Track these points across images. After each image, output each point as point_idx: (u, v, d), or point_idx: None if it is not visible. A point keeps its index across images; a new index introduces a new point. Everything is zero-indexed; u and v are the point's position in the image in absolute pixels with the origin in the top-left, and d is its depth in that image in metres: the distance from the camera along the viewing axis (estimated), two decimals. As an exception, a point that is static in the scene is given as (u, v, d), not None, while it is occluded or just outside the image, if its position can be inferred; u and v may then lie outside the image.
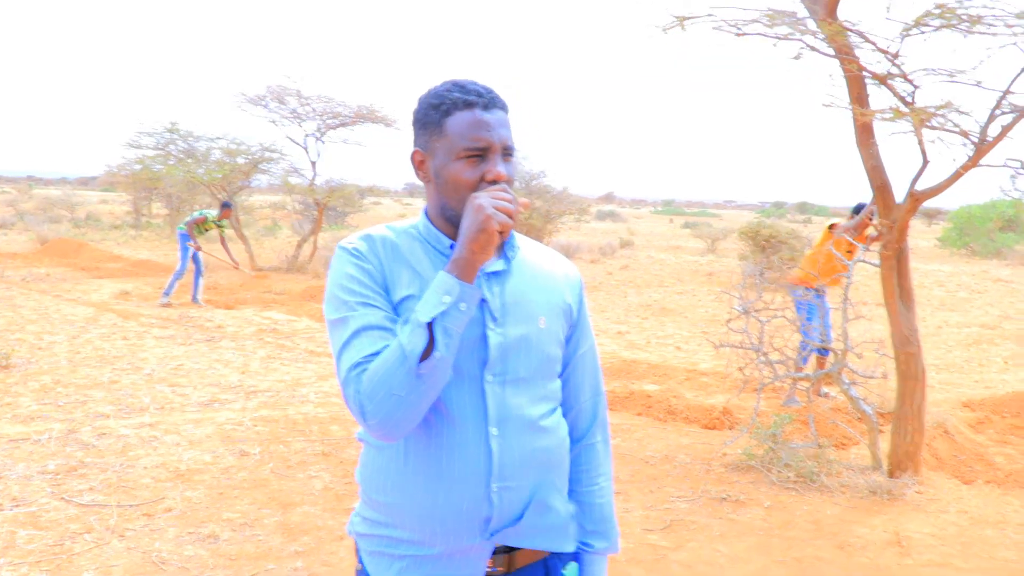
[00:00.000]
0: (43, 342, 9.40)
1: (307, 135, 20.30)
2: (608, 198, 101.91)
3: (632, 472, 5.75)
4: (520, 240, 1.85)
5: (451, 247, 1.74)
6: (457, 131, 1.68)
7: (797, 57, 5.23)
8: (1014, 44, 4.76)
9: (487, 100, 1.70)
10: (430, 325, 1.57)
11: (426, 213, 1.81)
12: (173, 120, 20.99)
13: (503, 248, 1.79)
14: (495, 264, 1.76)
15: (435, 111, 1.70)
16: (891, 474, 5.63)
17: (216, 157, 20.21)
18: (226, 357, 9.09)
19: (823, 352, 7.91)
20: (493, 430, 1.70)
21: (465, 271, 1.60)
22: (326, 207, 20.03)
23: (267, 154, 20.30)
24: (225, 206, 13.30)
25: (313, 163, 20.38)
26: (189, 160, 20.11)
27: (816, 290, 7.65)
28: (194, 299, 12.99)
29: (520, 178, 18.71)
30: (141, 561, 4.14)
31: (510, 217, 1.61)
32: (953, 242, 30.94)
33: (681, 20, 5.38)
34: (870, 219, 7.24)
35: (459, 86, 1.71)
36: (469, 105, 1.69)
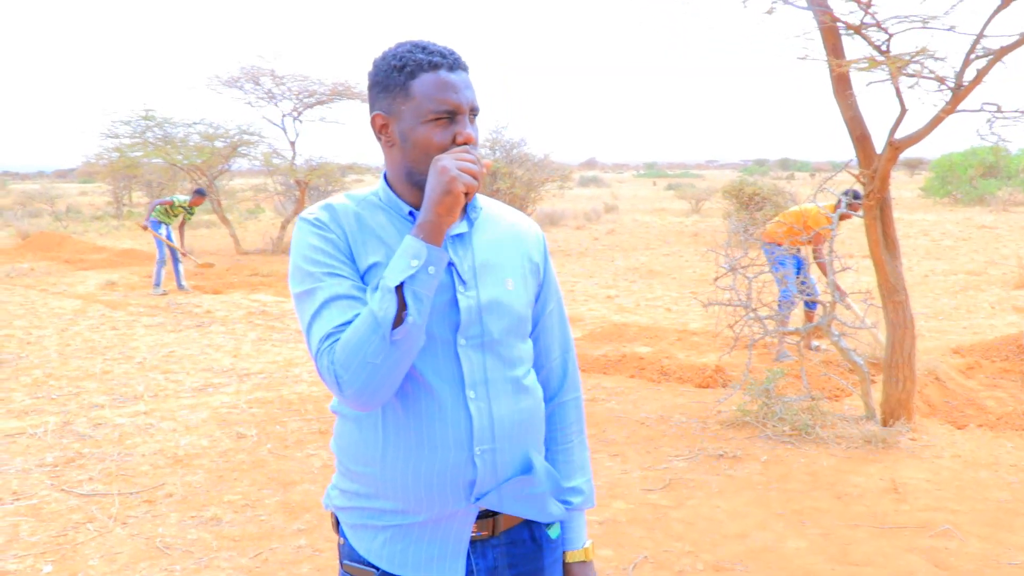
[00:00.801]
0: (32, 336, 9.37)
1: (284, 115, 20.17)
2: (590, 164, 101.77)
3: (628, 434, 5.79)
4: (482, 201, 1.83)
5: (411, 214, 1.71)
6: (424, 93, 1.64)
7: (770, 11, 5.22)
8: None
9: (451, 61, 1.67)
10: (400, 290, 1.55)
11: (385, 179, 1.77)
12: (148, 107, 20.79)
13: (466, 210, 1.77)
14: (459, 226, 1.74)
15: (399, 73, 1.66)
16: (884, 423, 5.68)
17: (194, 142, 20.06)
18: (217, 341, 9.08)
19: (811, 306, 7.95)
20: (471, 393, 1.68)
21: (432, 234, 1.58)
22: (308, 186, 19.94)
23: (245, 137, 20.17)
24: (198, 193, 13.12)
25: (292, 143, 20.27)
26: (167, 147, 19.96)
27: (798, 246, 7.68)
28: (179, 285, 12.96)
29: (501, 147, 18.65)
30: (145, 547, 4.15)
31: (475, 178, 1.59)
32: (936, 191, 31.06)
33: (655, -20, 5.35)
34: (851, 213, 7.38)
35: (420, 47, 1.67)
36: (435, 66, 1.65)
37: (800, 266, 7.75)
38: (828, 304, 6.04)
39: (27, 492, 4.85)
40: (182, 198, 12.99)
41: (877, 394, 5.92)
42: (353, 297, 1.61)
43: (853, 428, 5.65)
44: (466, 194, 1.58)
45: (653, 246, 18.68)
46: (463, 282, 1.70)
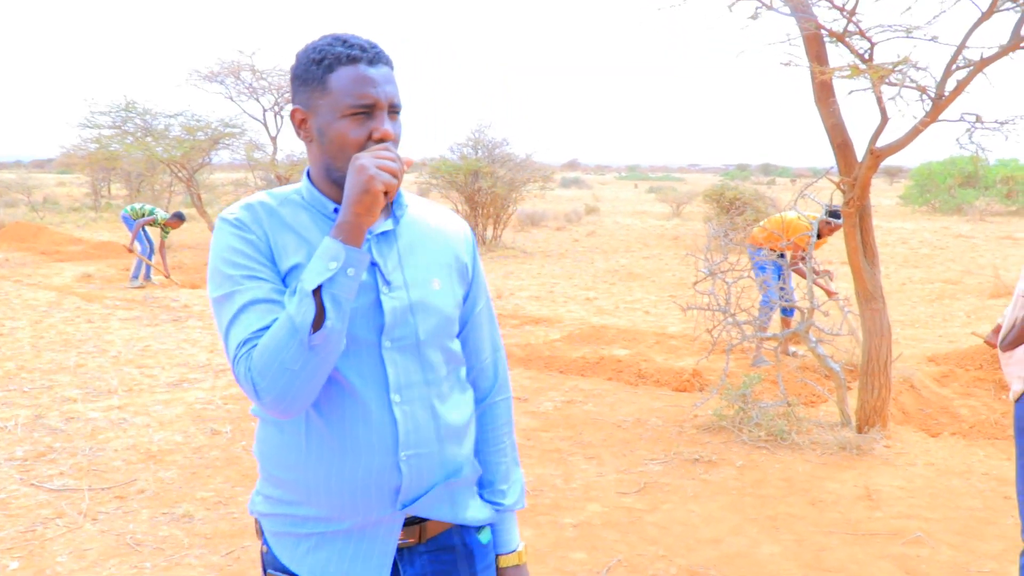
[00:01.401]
0: (5, 328, 9.27)
1: (265, 110, 20.07)
2: (572, 165, 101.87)
3: (605, 436, 5.79)
4: (408, 198, 1.78)
5: (335, 211, 1.66)
6: (341, 87, 1.59)
7: (754, 17, 5.23)
8: (969, -1, 4.78)
9: (372, 55, 1.62)
10: (319, 294, 1.50)
11: (308, 176, 1.71)
12: (129, 98, 20.64)
13: (391, 208, 1.72)
14: (383, 225, 1.69)
15: (317, 66, 1.60)
16: (859, 429, 5.71)
17: (175, 134, 19.93)
18: (193, 336, 9.01)
19: (789, 312, 7.99)
20: (395, 397, 1.64)
21: (350, 235, 1.53)
22: (288, 182, 19.86)
23: (227, 130, 20.07)
24: (176, 216, 12.97)
25: (273, 138, 20.18)
26: (147, 138, 19.81)
27: (780, 252, 7.71)
28: (147, 277, 12.84)
29: (483, 147, 18.63)
30: (115, 543, 4.11)
31: (395, 176, 1.54)
32: (914, 199, 31.30)
33: (640, -17, 5.35)
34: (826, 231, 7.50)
35: (341, 40, 1.62)
36: (353, 60, 1.60)
37: (780, 272, 7.78)
38: (806, 311, 6.06)
39: (-4, 486, 4.79)
40: (163, 214, 12.84)
41: (853, 401, 5.95)
42: (272, 301, 1.56)
43: (828, 434, 5.67)
44: (386, 193, 1.53)
45: (633, 249, 18.71)
46: (387, 283, 1.66)
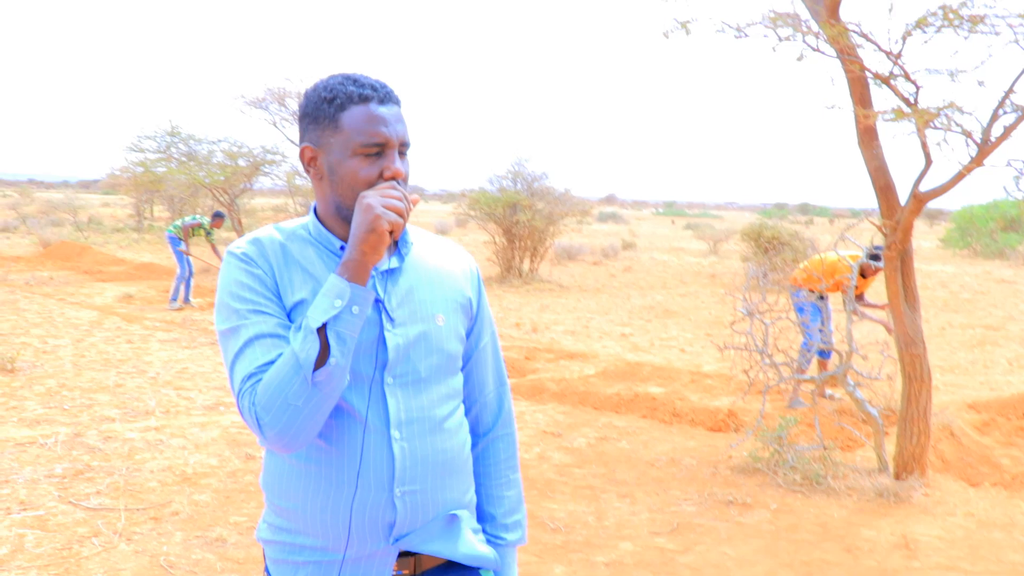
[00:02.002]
0: (48, 345, 9.41)
1: (309, 137, 20.34)
2: (610, 200, 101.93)
3: (638, 475, 5.75)
4: (414, 235, 1.80)
5: (342, 248, 1.68)
6: (353, 126, 1.61)
7: (799, 59, 5.23)
8: (1016, 43, 4.76)
9: (383, 94, 1.65)
10: (323, 331, 1.52)
11: (315, 212, 1.73)
12: (174, 123, 21.02)
13: (396, 246, 1.74)
14: (389, 262, 1.71)
15: (328, 105, 1.63)
16: (897, 476, 5.62)
17: (218, 159, 20.25)
18: (230, 360, 9.09)
19: (825, 355, 7.91)
20: (395, 433, 1.65)
21: (356, 273, 1.55)
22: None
23: (268, 156, 20.34)
24: (217, 216, 13.37)
25: (315, 166, 20.43)
26: (191, 163, 20.14)
27: (820, 293, 7.66)
28: (186, 300, 13.05)
29: (522, 180, 18.70)
30: (149, 565, 4.14)
31: (401, 216, 1.56)
32: (956, 243, 30.94)
33: (684, 24, 5.38)
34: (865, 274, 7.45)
35: (352, 79, 1.65)
36: (365, 99, 1.62)
37: (820, 314, 7.72)
38: (844, 353, 6.00)
39: (34, 503, 4.85)
40: (207, 220, 13.22)
41: (890, 446, 5.87)
42: (277, 336, 1.58)
43: (865, 480, 5.59)
44: (391, 232, 1.55)
45: (670, 285, 18.64)
46: (391, 319, 1.67)
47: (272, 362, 1.54)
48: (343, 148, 1.62)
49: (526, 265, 18.60)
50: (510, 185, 18.70)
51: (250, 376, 1.54)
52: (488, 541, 1.89)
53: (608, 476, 5.70)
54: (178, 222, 13.28)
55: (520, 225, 17.95)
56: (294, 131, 20.53)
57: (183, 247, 12.84)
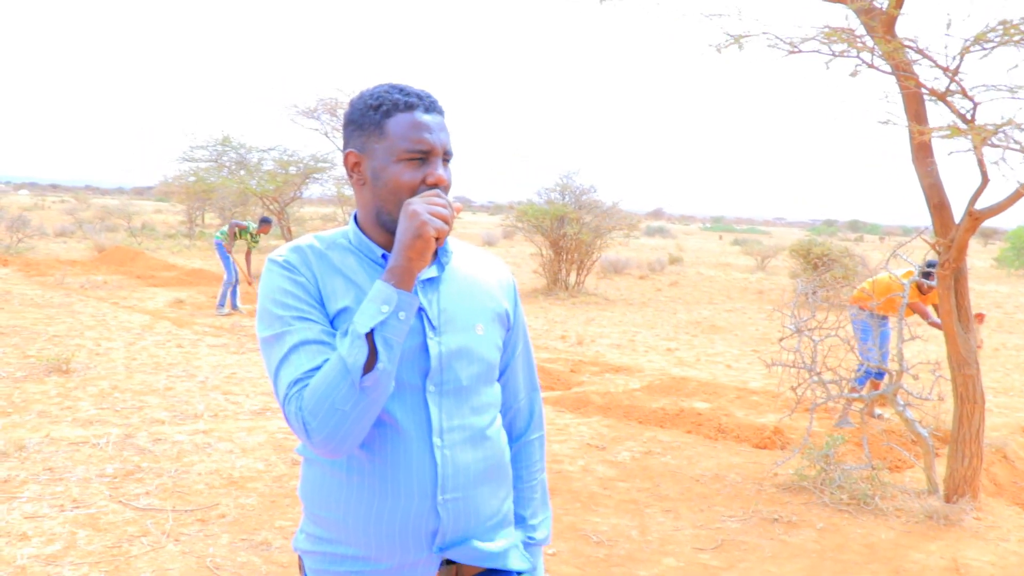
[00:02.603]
0: (101, 348, 9.60)
1: (359, 148, 20.55)
2: (657, 214, 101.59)
3: (682, 490, 5.71)
4: (453, 244, 1.82)
5: (383, 257, 1.70)
6: (399, 132, 1.64)
7: (854, 74, 5.18)
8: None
9: (427, 103, 1.67)
10: (370, 337, 1.53)
11: (356, 220, 1.75)
12: (226, 133, 21.38)
13: (437, 254, 1.76)
14: (428, 271, 1.73)
15: (374, 112, 1.66)
16: (948, 499, 5.52)
17: (268, 168, 20.54)
18: (278, 366, 9.19)
19: (878, 375, 7.78)
20: (437, 441, 1.66)
21: (402, 279, 1.56)
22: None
23: (318, 164, 20.59)
24: (265, 221, 13.51)
25: (365, 175, 20.63)
26: (241, 171, 20.45)
27: (880, 314, 7.54)
28: (234, 306, 13.22)
29: (571, 193, 18.71)
30: (196, 566, 4.20)
31: (446, 223, 1.57)
32: (1010, 262, 30.33)
33: (737, 39, 5.36)
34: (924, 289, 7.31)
35: (398, 88, 1.68)
36: (410, 107, 1.65)
37: (883, 336, 7.59)
38: (894, 372, 5.91)
39: (86, 501, 4.94)
40: (254, 225, 13.35)
41: (941, 468, 5.76)
42: (322, 342, 1.59)
43: (914, 502, 5.49)
44: (436, 239, 1.57)
45: (716, 301, 18.51)
46: (433, 327, 1.69)
47: (318, 368, 1.55)
48: (387, 154, 1.65)
49: (572, 278, 18.58)
50: (558, 198, 18.72)
51: (297, 381, 1.55)
52: (524, 542, 1.93)
53: (652, 491, 5.67)
54: (226, 228, 13.46)
55: (567, 238, 17.95)
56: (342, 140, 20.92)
57: (227, 246, 12.98)
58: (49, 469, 5.44)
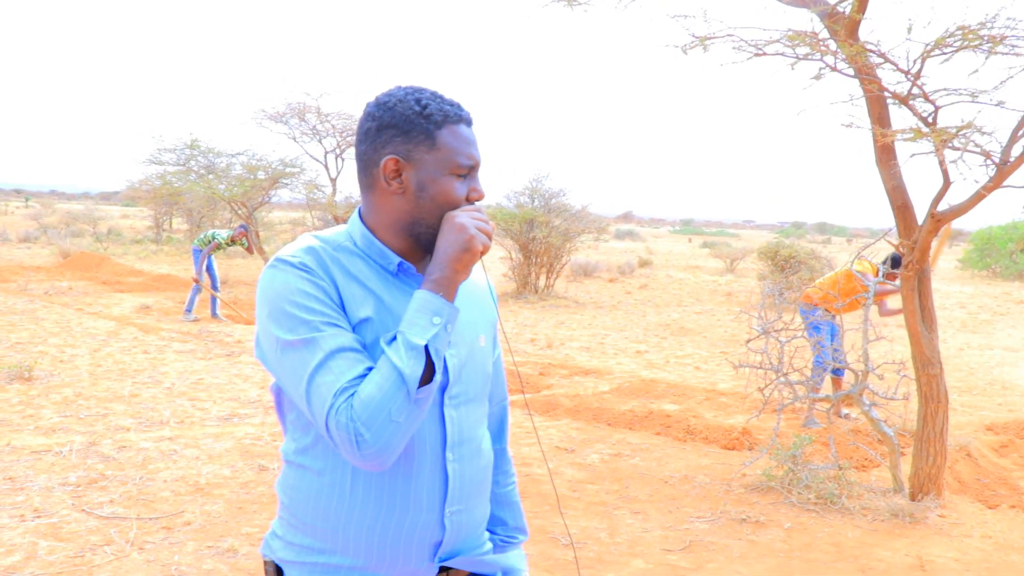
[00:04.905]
0: (65, 355, 9.47)
1: (327, 152, 20.44)
2: (627, 217, 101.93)
3: (651, 492, 5.73)
4: None
5: (400, 265, 1.66)
6: (452, 146, 1.61)
7: (817, 77, 5.23)
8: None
9: (468, 116, 1.67)
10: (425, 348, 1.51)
11: (365, 224, 1.69)
12: (194, 136, 21.20)
13: None
14: None
15: (424, 120, 1.60)
16: (913, 497, 5.58)
17: (236, 172, 20.38)
18: (245, 372, 9.13)
19: (838, 372, 7.85)
20: (450, 455, 1.66)
21: (449, 291, 1.55)
22: (346, 223, 20.14)
23: (287, 169, 20.47)
24: (242, 228, 13.50)
25: (333, 179, 20.51)
26: (210, 176, 20.28)
27: (832, 312, 7.62)
28: (213, 314, 13.13)
29: (540, 196, 18.72)
30: (160, 574, 4.15)
31: (489, 237, 1.59)
32: (974, 263, 30.74)
33: (702, 40, 5.39)
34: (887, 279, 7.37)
35: (438, 96, 1.64)
36: (460, 119, 1.63)
37: (834, 333, 7.67)
38: (859, 373, 5.96)
39: (48, 510, 4.87)
40: (223, 234, 13.20)
41: (906, 467, 5.82)
42: (357, 350, 1.54)
43: (880, 500, 5.55)
44: (482, 252, 1.58)
45: (685, 303, 18.60)
46: (449, 340, 1.66)
47: (361, 376, 1.50)
48: (439, 166, 1.61)
49: (542, 281, 18.60)
50: (527, 201, 18.73)
51: (344, 390, 1.48)
52: (503, 543, 1.95)
53: (621, 493, 5.68)
54: (202, 235, 13.36)
55: (537, 241, 17.96)
56: (313, 145, 20.65)
57: (203, 262, 12.90)
58: (9, 479, 5.35)
